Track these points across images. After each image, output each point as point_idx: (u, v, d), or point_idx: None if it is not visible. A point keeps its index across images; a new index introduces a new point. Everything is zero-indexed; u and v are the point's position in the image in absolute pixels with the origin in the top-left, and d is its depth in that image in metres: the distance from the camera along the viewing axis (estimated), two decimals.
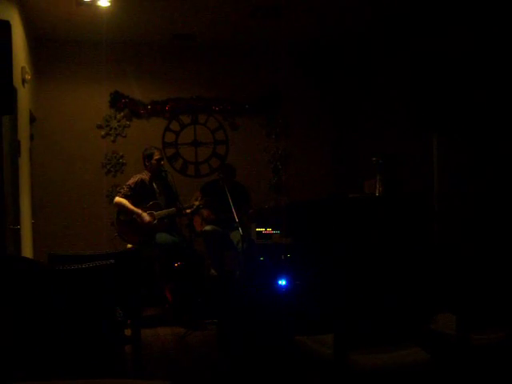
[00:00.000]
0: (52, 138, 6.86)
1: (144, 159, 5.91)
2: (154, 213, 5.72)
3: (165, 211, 5.77)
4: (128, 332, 3.72)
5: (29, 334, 2.22)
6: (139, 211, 5.67)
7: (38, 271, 2.32)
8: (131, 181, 5.81)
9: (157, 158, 5.82)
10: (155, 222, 5.70)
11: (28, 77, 5.55)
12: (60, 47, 6.87)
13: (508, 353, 2.72)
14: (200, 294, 5.67)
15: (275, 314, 4.50)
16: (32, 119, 6.37)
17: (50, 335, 2.26)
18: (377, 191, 5.69)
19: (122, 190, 5.76)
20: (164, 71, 7.25)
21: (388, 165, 5.78)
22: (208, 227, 5.99)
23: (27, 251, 5.49)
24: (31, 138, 6.31)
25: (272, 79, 7.43)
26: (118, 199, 5.72)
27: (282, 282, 5.40)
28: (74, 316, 2.28)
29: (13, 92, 4.07)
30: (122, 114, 7.11)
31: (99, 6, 5.60)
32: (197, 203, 5.90)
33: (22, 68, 5.35)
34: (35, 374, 2.18)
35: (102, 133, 7.05)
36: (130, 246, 5.67)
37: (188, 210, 5.84)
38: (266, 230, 6.39)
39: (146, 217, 5.67)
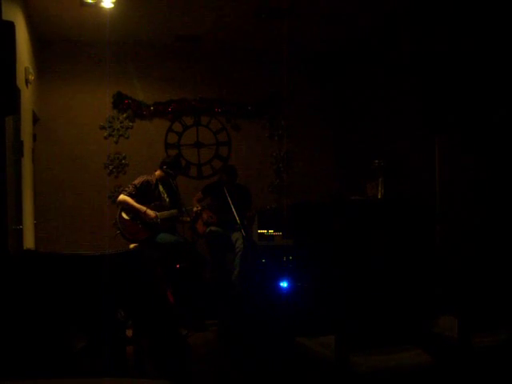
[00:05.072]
0: (55, 139, 6.87)
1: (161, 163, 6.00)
2: (158, 213, 5.74)
3: (167, 212, 5.78)
4: (129, 333, 3.73)
5: (27, 334, 2.22)
6: (143, 208, 5.68)
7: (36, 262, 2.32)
8: (137, 181, 5.82)
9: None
10: (158, 220, 5.72)
11: (31, 77, 5.57)
12: (63, 48, 6.88)
13: (509, 355, 2.72)
14: (202, 295, 5.67)
15: (276, 315, 4.50)
16: (35, 120, 6.39)
17: (52, 334, 2.26)
18: (379, 193, 5.70)
19: (127, 189, 5.78)
20: (167, 72, 7.26)
21: (390, 167, 5.79)
22: (209, 229, 6.00)
23: None
24: (34, 138, 6.33)
25: (275, 81, 7.42)
26: (122, 197, 5.73)
27: (284, 284, 5.41)
28: (76, 314, 2.29)
29: (16, 92, 4.08)
30: (124, 114, 7.12)
31: (103, 7, 5.62)
32: (195, 210, 5.93)
33: (26, 68, 5.36)
34: (35, 372, 2.19)
35: (105, 134, 7.06)
36: (132, 245, 5.68)
37: (188, 219, 5.88)
38: (267, 232, 6.39)
39: (151, 213, 5.69)
